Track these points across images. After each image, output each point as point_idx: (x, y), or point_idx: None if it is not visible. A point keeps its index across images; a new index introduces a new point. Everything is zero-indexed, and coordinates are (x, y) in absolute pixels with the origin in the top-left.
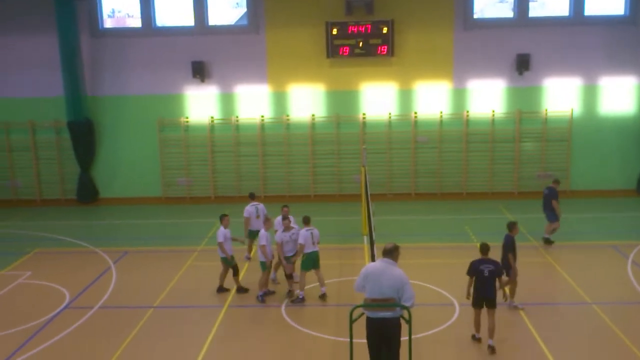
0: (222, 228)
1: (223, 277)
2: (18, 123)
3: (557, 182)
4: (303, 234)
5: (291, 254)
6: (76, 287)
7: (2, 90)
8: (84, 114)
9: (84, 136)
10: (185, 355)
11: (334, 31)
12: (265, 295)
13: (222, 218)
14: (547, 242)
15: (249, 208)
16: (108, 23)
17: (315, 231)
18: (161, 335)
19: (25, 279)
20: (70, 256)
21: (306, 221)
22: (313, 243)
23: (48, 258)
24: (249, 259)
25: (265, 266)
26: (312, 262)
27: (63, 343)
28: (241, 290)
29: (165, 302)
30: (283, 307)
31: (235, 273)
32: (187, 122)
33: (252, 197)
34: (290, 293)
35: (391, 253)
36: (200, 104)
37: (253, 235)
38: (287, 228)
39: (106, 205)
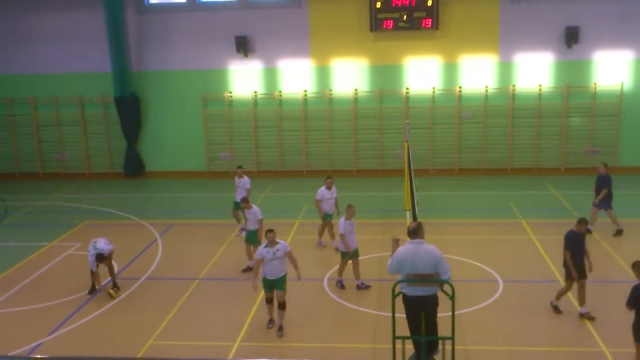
0: (342, 219)
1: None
2: (66, 98)
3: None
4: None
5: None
6: (124, 258)
7: (51, 65)
8: (130, 89)
9: (130, 111)
10: (229, 325)
11: (378, 4)
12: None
13: (348, 208)
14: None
15: (323, 191)
16: None
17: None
18: (206, 306)
19: (74, 250)
20: (118, 228)
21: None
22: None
23: (96, 230)
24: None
25: (344, 256)
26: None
27: (111, 313)
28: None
29: (210, 274)
30: (325, 282)
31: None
32: (231, 97)
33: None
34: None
35: (417, 232)
36: (243, 79)
37: (327, 217)
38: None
39: (152, 179)
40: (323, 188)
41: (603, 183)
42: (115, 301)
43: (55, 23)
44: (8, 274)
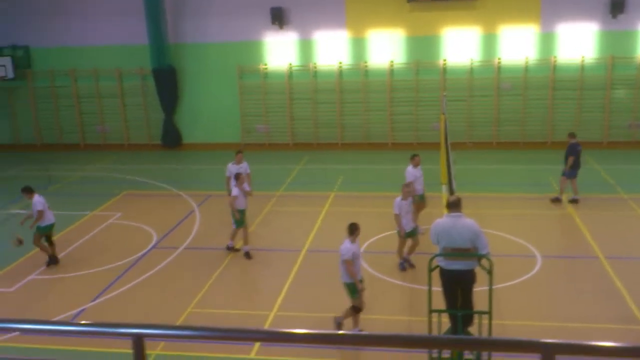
0: (398, 199)
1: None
2: (106, 70)
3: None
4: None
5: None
6: (162, 228)
7: (91, 38)
8: (167, 61)
9: (167, 83)
10: (266, 295)
11: None
12: (406, 263)
13: (412, 158)
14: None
15: (412, 169)
16: None
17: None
18: (243, 275)
19: (115, 220)
20: (157, 198)
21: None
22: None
23: (136, 200)
24: None
25: (400, 235)
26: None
27: (151, 281)
28: None
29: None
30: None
31: None
32: (266, 69)
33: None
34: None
35: (456, 206)
36: (278, 51)
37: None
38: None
39: (188, 150)
40: (410, 167)
41: (570, 152)
42: (155, 269)
43: None
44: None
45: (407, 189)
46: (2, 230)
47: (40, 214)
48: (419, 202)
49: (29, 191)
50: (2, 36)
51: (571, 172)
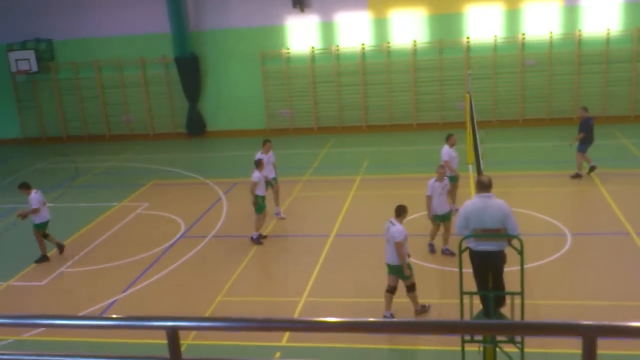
0: (432, 180)
1: None
2: (129, 60)
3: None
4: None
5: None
6: (190, 217)
7: (114, 27)
8: (190, 49)
9: (190, 71)
10: (295, 281)
11: None
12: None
13: (448, 138)
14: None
15: (448, 149)
16: None
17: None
18: (272, 262)
19: (143, 210)
20: (183, 187)
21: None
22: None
23: (163, 189)
24: None
25: (435, 218)
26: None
27: (181, 270)
28: None
29: (274, 231)
30: None
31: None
32: (288, 53)
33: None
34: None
35: (487, 186)
36: (300, 35)
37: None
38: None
39: (213, 138)
40: (446, 147)
41: (583, 126)
42: (184, 258)
43: None
44: (81, 234)
45: (442, 170)
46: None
47: (36, 211)
48: (454, 183)
49: (26, 187)
50: (25, 30)
51: (581, 146)
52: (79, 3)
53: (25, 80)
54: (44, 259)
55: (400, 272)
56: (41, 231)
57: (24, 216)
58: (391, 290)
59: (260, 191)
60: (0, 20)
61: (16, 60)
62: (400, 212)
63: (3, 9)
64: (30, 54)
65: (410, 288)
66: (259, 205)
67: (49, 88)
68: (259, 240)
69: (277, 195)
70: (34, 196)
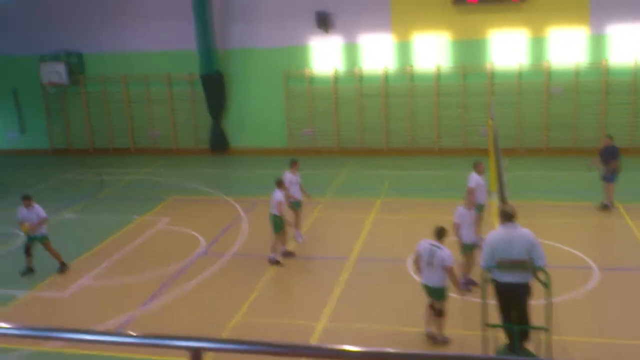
0: (461, 207)
1: None
2: (156, 75)
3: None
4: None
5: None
6: (210, 233)
7: (142, 43)
8: (215, 67)
9: (215, 88)
10: (313, 304)
11: None
12: (469, 285)
13: (476, 165)
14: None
15: (476, 177)
16: None
17: None
18: (291, 283)
19: (164, 225)
20: (204, 204)
21: None
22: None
23: (184, 205)
24: None
25: (466, 249)
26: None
27: (200, 287)
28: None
29: (295, 250)
30: (410, 263)
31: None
32: (312, 73)
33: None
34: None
35: (512, 216)
36: (324, 55)
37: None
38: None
39: (236, 155)
40: (474, 174)
41: (612, 155)
42: (202, 276)
43: (145, 2)
44: (102, 247)
45: (472, 197)
46: (55, 233)
47: (46, 220)
48: (480, 213)
49: (30, 199)
50: (57, 43)
51: (609, 175)
52: (110, 18)
53: (56, 92)
54: (63, 267)
55: (440, 295)
56: (33, 244)
57: (32, 229)
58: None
59: (277, 210)
60: (33, 33)
61: (48, 72)
62: (443, 234)
63: (37, 21)
64: (62, 67)
65: (441, 312)
66: (277, 225)
67: (77, 100)
68: (277, 261)
69: (298, 219)
70: (38, 206)
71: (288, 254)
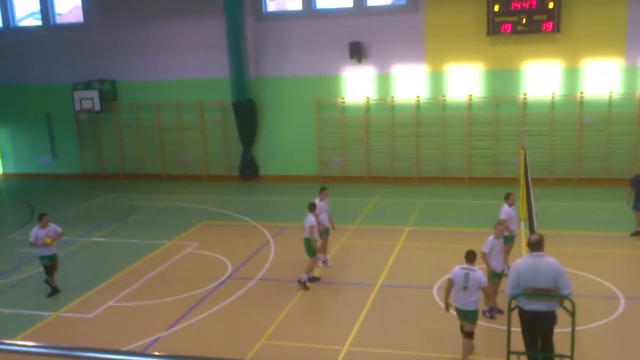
0: (491, 237)
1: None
2: (188, 103)
3: None
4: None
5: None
6: (238, 258)
7: (174, 72)
8: (247, 95)
9: (247, 116)
10: (338, 329)
11: (496, 8)
12: (493, 312)
13: (507, 197)
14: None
15: (507, 208)
16: (271, 7)
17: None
18: (316, 308)
19: (192, 249)
20: (233, 229)
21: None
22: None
23: (213, 230)
24: None
25: (493, 276)
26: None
27: (226, 311)
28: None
29: (321, 276)
30: (435, 290)
31: None
32: (344, 102)
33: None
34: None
35: (539, 245)
36: (356, 85)
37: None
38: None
39: (265, 182)
40: (506, 206)
41: (634, 184)
42: (229, 300)
43: (179, 32)
44: (131, 270)
45: (500, 227)
46: (84, 255)
47: (62, 235)
48: (509, 244)
49: (46, 216)
50: (91, 71)
51: (636, 203)
52: (144, 47)
53: (88, 118)
54: (54, 291)
55: (473, 318)
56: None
57: (53, 240)
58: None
59: (309, 234)
60: (67, 61)
61: (80, 99)
62: (474, 257)
63: (71, 49)
64: (94, 94)
65: (472, 335)
66: (309, 249)
67: (109, 127)
68: (305, 284)
69: (325, 244)
70: (54, 225)
71: (313, 279)
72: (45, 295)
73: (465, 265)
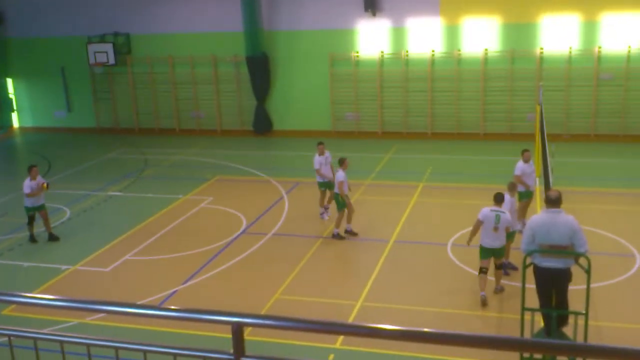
0: (512, 198)
1: None
2: (201, 57)
3: None
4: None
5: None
6: (252, 213)
7: (189, 25)
8: (261, 49)
9: (260, 70)
10: (352, 284)
11: None
12: (508, 269)
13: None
14: None
15: (521, 165)
16: None
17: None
18: (330, 264)
19: (207, 204)
20: (247, 184)
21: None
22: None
23: (227, 185)
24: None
25: (510, 236)
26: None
27: (240, 266)
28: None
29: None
30: (449, 246)
31: None
32: (358, 56)
33: None
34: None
35: (556, 201)
36: (371, 39)
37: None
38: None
39: (279, 137)
40: (520, 162)
41: None
42: (244, 254)
43: None
44: (146, 224)
45: (516, 185)
46: (100, 209)
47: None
48: (526, 200)
49: (36, 168)
50: (105, 24)
51: None
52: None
53: (102, 72)
54: (53, 237)
55: (502, 253)
56: (42, 210)
57: (48, 187)
58: (486, 271)
59: (338, 189)
60: (81, 14)
61: (95, 52)
62: (502, 199)
63: (85, 3)
64: (109, 47)
65: (502, 265)
66: (338, 203)
67: (124, 81)
68: (340, 235)
69: (329, 198)
70: (40, 177)
71: (351, 234)
72: (63, 248)
73: (495, 208)
